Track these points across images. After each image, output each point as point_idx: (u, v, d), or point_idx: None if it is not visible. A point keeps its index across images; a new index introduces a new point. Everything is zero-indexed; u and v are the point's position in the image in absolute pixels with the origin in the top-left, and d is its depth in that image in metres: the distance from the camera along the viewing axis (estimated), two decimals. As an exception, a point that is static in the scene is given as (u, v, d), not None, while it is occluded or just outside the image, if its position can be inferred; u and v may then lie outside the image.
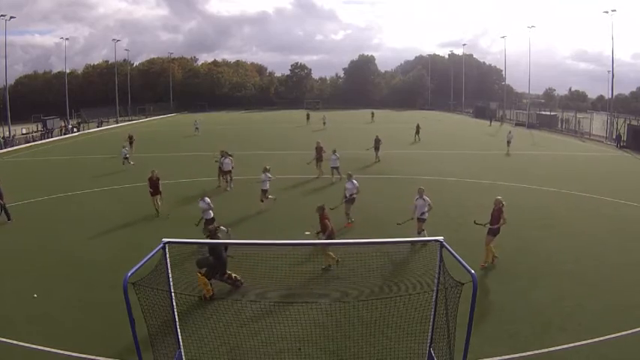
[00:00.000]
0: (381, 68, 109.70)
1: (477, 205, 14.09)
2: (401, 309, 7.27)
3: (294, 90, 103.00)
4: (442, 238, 6.25)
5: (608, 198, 17.48)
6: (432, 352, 6.64)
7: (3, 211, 15.09)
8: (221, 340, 7.40)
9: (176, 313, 6.70)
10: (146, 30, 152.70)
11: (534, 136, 42.53)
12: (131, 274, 5.37)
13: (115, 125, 62.45)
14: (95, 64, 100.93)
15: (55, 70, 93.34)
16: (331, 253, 10.74)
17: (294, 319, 7.48)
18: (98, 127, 58.95)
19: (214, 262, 9.29)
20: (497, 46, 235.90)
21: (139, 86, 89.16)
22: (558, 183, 20.12)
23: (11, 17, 46.99)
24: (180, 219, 14.55)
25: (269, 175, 16.02)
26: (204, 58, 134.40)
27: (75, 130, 53.27)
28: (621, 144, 35.68)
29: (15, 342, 7.76)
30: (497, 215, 10.69)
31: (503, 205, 10.70)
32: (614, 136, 38.21)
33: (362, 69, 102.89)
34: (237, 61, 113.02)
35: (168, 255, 6.39)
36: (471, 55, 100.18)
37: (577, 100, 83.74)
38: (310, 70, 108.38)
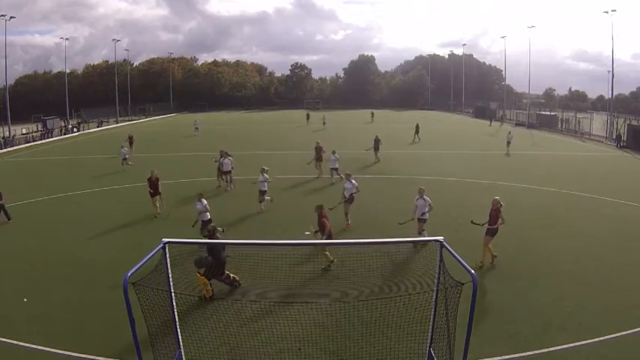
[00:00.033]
0: (381, 68, 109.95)
1: (477, 205, 14.08)
2: (401, 309, 7.27)
3: (294, 90, 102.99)
4: (442, 238, 6.24)
5: (608, 198, 17.48)
6: (432, 352, 6.64)
7: (2, 212, 15.09)
8: (221, 340, 7.40)
9: (176, 313, 6.70)
10: (146, 30, 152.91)
11: (534, 136, 42.53)
12: (131, 274, 5.37)
13: (115, 125, 62.47)
14: (95, 64, 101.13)
15: (55, 70, 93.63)
16: (327, 253, 10.73)
17: (294, 319, 7.48)
18: (98, 127, 58.97)
19: (213, 261, 9.29)
20: (497, 46, 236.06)
21: (139, 86, 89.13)
22: (558, 183, 20.13)
23: (11, 17, 47.06)
24: (180, 219, 14.53)
25: (266, 176, 15.86)
26: (204, 58, 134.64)
27: (75, 130, 53.28)
28: (621, 144, 35.69)
29: (15, 342, 7.76)
30: (495, 215, 10.68)
31: (501, 205, 10.69)
32: (614, 136, 38.23)
33: (362, 69, 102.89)
34: (237, 61, 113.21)
35: (168, 255, 6.39)
36: (471, 55, 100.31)
37: (577, 100, 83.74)
38: (310, 70, 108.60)
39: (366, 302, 8.50)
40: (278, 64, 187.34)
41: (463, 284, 5.54)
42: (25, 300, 9.34)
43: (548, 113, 54.52)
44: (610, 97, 52.07)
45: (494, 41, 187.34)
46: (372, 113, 61.53)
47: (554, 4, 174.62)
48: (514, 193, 18.25)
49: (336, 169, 20.30)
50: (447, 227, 12.55)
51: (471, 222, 11.36)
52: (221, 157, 19.35)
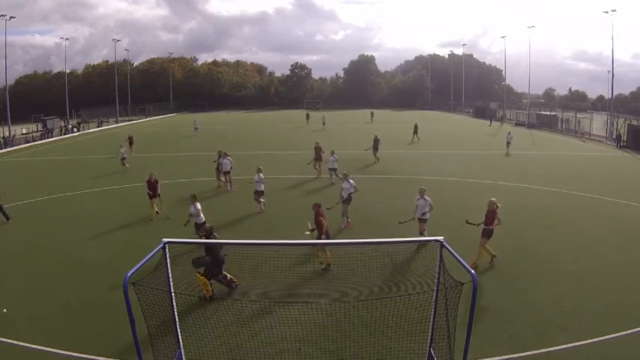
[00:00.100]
0: (381, 68, 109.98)
1: (478, 205, 14.06)
2: (401, 309, 7.27)
3: (294, 90, 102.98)
4: (442, 238, 6.24)
5: (608, 198, 17.48)
6: (432, 352, 6.64)
7: (0, 212, 15.08)
8: (221, 340, 7.40)
9: (176, 313, 6.70)
10: (146, 30, 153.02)
11: (534, 136, 42.53)
12: (131, 274, 5.37)
13: (115, 125, 62.49)
14: (95, 64, 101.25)
15: (55, 70, 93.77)
16: (321, 253, 10.72)
17: (294, 319, 7.48)
18: (98, 127, 58.99)
19: (211, 261, 9.28)
20: (497, 46, 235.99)
21: (139, 86, 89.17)
22: (558, 183, 20.13)
23: (11, 17, 47.09)
24: (179, 219, 14.49)
25: (261, 176, 15.74)
26: (204, 58, 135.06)
27: (75, 130, 53.29)
28: (621, 144, 35.69)
29: (15, 342, 7.77)
30: (490, 217, 10.64)
31: (497, 206, 10.66)
32: (614, 136, 38.22)
33: (362, 69, 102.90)
34: (237, 61, 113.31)
35: (168, 255, 6.39)
36: (471, 55, 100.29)
37: (577, 100, 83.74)
38: (310, 70, 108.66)
39: (366, 302, 8.50)
40: (278, 64, 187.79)
41: (463, 284, 5.54)
42: (5, 311, 8.90)
43: (548, 113, 54.50)
44: (610, 97, 52.14)
45: (494, 41, 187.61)
46: (372, 113, 61.49)
47: (554, 4, 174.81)
48: (514, 193, 18.26)
49: (334, 170, 20.27)
50: (448, 227, 12.55)
51: (466, 222, 11.33)
52: (220, 158, 19.35)
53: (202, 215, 12.35)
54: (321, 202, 11.38)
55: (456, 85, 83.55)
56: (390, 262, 10.47)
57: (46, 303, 9.32)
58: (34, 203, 17.95)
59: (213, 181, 20.16)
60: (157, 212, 15.48)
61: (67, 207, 17.42)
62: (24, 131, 48.11)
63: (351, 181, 13.89)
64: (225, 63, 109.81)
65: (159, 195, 15.38)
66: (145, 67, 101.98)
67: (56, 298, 9.56)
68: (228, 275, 9.61)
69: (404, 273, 10.16)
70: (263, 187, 15.77)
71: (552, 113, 53.89)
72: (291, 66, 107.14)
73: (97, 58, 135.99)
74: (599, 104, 72.86)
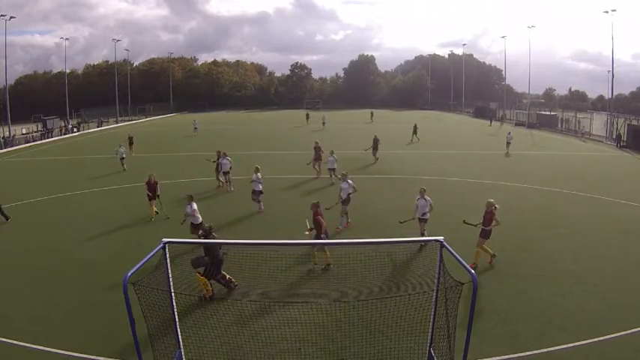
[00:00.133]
0: (381, 68, 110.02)
1: (478, 206, 14.06)
2: (401, 309, 7.27)
3: (294, 90, 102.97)
4: (442, 238, 6.23)
5: (608, 198, 17.49)
6: (432, 352, 6.64)
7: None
8: (221, 340, 7.40)
9: (176, 313, 6.70)
10: (146, 30, 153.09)
11: (534, 136, 42.53)
12: (131, 274, 5.37)
13: (115, 125, 62.48)
14: (95, 64, 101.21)
15: (55, 70, 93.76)
16: (321, 253, 10.73)
17: (294, 319, 7.49)
18: (98, 127, 58.98)
19: (210, 261, 9.27)
20: (497, 46, 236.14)
21: (139, 86, 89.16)
22: (558, 183, 20.13)
23: (11, 17, 47.11)
24: (179, 219, 14.52)
25: (259, 176, 15.67)
26: (204, 58, 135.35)
27: (75, 130, 53.28)
28: (621, 144, 35.70)
29: (15, 342, 7.77)
30: (489, 218, 10.63)
31: (495, 207, 10.65)
32: (614, 136, 38.24)
33: (362, 69, 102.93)
34: (237, 61, 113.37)
35: (168, 255, 6.39)
36: (471, 55, 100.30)
37: (577, 100, 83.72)
38: (310, 70, 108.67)
39: (365, 302, 8.50)
40: (278, 64, 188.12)
41: (463, 284, 5.54)
42: None
43: (548, 113, 54.51)
44: (610, 97, 52.17)
45: (494, 41, 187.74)
46: (372, 113, 61.46)
47: (554, 4, 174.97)
48: (514, 193, 18.27)
49: (334, 170, 20.23)
50: (448, 227, 12.55)
51: (463, 222, 11.32)
52: (219, 158, 19.33)
53: (199, 215, 12.37)
54: (320, 202, 11.38)
55: (456, 85, 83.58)
56: (390, 262, 10.47)
57: (46, 303, 9.31)
58: (33, 203, 17.95)
59: (213, 181, 20.16)
60: (157, 212, 15.48)
61: (67, 207, 17.42)
62: (24, 131, 48.12)
63: (349, 181, 13.81)
64: (225, 63, 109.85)
65: (158, 196, 15.38)
66: (145, 67, 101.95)
67: (56, 298, 9.56)
68: (227, 275, 9.61)
69: (404, 273, 10.17)
70: (261, 186, 15.71)
71: (552, 113, 53.90)
72: (291, 66, 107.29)
73: (97, 58, 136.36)
74: (599, 104, 72.89)
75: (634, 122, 37.52)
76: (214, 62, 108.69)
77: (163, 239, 6.34)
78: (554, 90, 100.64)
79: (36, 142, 43.38)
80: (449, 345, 5.97)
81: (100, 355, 7.37)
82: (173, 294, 6.60)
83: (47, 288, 10.08)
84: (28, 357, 7.46)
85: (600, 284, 9.87)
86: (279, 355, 7.30)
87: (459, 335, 5.83)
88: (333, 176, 20.22)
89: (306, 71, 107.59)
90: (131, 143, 31.36)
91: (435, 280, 6.45)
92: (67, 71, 69.81)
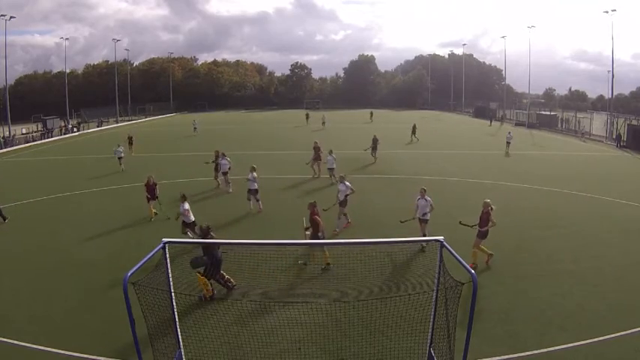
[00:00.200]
0: (381, 68, 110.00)
1: (478, 206, 14.05)
2: (401, 309, 7.27)
3: (294, 90, 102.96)
4: (442, 237, 6.23)
5: (608, 198, 17.49)
6: (432, 352, 6.63)
7: None
8: (221, 340, 7.40)
9: (176, 313, 6.70)
10: (146, 30, 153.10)
11: (534, 136, 42.54)
12: (131, 274, 5.37)
13: (115, 125, 62.47)
14: (95, 64, 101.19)
15: (55, 70, 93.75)
16: (319, 253, 10.71)
17: (294, 319, 7.49)
18: (98, 127, 58.97)
19: (209, 261, 9.26)
20: (497, 46, 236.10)
21: (139, 86, 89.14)
22: (558, 183, 20.13)
23: (11, 17, 47.11)
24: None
25: (255, 175, 15.61)
26: (204, 58, 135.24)
27: (75, 130, 53.27)
28: (621, 144, 35.72)
29: (15, 342, 7.77)
30: (485, 218, 10.63)
31: (491, 208, 10.64)
32: (614, 136, 38.25)
33: (362, 69, 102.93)
34: (237, 61, 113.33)
35: (168, 255, 6.39)
36: (471, 55, 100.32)
37: (577, 100, 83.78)
38: (310, 70, 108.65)
39: (365, 302, 8.50)
40: (278, 64, 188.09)
41: (463, 284, 5.54)
42: None
43: (548, 113, 54.54)
44: (610, 97, 52.19)
45: (494, 41, 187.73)
46: (371, 113, 61.43)
47: (554, 4, 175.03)
48: (514, 193, 18.26)
49: (333, 170, 20.18)
50: (448, 227, 12.52)
51: (460, 222, 11.32)
52: (218, 158, 19.31)
53: (191, 215, 12.42)
54: (318, 202, 11.36)
55: (456, 85, 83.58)
56: (390, 262, 10.47)
57: (45, 303, 9.31)
58: (33, 203, 17.94)
59: (212, 182, 20.14)
60: (156, 213, 15.46)
61: (67, 207, 17.42)
62: (24, 131, 48.11)
63: (347, 183, 13.69)
64: (225, 63, 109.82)
65: (157, 197, 15.37)
66: (145, 67, 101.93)
67: (56, 298, 9.55)
68: (226, 275, 9.60)
69: (404, 273, 10.16)
70: (257, 185, 15.65)
71: (552, 113, 53.92)
72: (291, 66, 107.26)
73: (97, 58, 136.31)
74: (599, 104, 72.94)
75: (634, 122, 37.53)
76: (214, 62, 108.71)
77: (163, 239, 6.33)
78: (554, 90, 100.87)
79: (36, 142, 43.38)
80: (449, 345, 5.97)
81: (100, 355, 7.36)
82: (173, 294, 6.59)
83: (47, 288, 10.07)
84: (28, 357, 7.46)
85: (600, 284, 9.87)
86: (279, 355, 7.30)
87: (459, 335, 5.83)
88: (332, 176, 20.20)
89: (306, 71, 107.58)
90: (131, 143, 31.35)
91: (435, 280, 6.45)
92: (67, 71, 69.89)
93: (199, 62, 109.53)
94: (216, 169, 19.56)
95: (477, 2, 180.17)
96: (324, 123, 49.34)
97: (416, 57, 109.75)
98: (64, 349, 7.52)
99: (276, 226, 14.18)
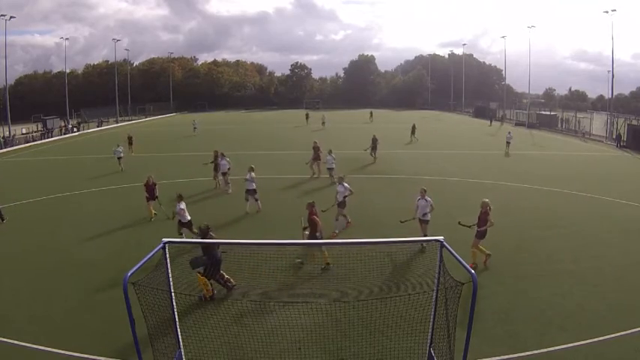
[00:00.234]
0: (381, 68, 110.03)
1: (479, 206, 14.09)
2: (401, 309, 7.27)
3: (294, 90, 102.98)
4: (442, 237, 6.23)
5: (608, 198, 17.49)
6: (432, 352, 6.63)
7: None
8: (221, 340, 7.40)
9: (176, 313, 6.70)
10: (146, 30, 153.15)
11: (534, 136, 42.54)
12: (131, 274, 5.36)
13: (115, 125, 62.49)
14: (95, 64, 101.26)
15: (55, 70, 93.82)
16: (318, 253, 10.69)
17: (294, 319, 7.48)
18: (98, 127, 58.99)
19: (208, 261, 9.25)
20: (497, 46, 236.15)
21: (139, 86, 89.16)
22: (558, 183, 20.12)
23: (11, 17, 47.13)
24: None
25: (252, 175, 15.58)
26: (204, 58, 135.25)
27: (75, 130, 53.29)
28: (621, 144, 35.73)
29: (15, 342, 7.76)
30: (483, 218, 10.62)
31: (489, 208, 10.64)
32: (614, 136, 38.26)
33: (362, 69, 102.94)
34: (237, 61, 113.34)
35: (168, 255, 6.38)
36: (471, 55, 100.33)
37: (577, 100, 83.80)
38: (310, 70, 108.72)
39: (365, 302, 8.50)
40: (278, 64, 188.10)
41: (463, 284, 5.54)
42: None
43: (548, 113, 54.55)
44: (610, 97, 52.20)
45: (494, 41, 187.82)
46: (371, 113, 61.41)
47: (554, 4, 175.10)
48: (514, 193, 18.26)
49: (332, 170, 20.15)
50: (448, 227, 12.51)
51: (459, 223, 11.31)
52: (217, 158, 19.30)
53: (187, 214, 12.43)
54: (318, 202, 11.35)
55: (456, 85, 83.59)
56: (390, 262, 10.47)
57: (45, 303, 9.31)
58: (33, 203, 17.94)
59: (211, 182, 20.13)
60: (156, 214, 15.46)
61: (67, 207, 17.41)
62: (24, 131, 48.11)
63: (345, 184, 13.63)
64: (225, 63, 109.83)
65: (156, 197, 15.36)
66: (145, 67, 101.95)
67: (56, 298, 9.55)
68: (226, 275, 9.59)
69: (404, 273, 10.16)
70: (254, 185, 15.63)
71: (552, 113, 53.93)
72: (291, 66, 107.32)
73: (97, 58, 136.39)
74: (599, 104, 72.94)
75: (634, 122, 37.54)
76: (214, 62, 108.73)
77: (163, 239, 6.33)
78: (554, 90, 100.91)
79: (36, 142, 43.38)
80: (449, 345, 5.97)
81: (100, 355, 7.36)
82: (173, 294, 6.59)
83: (47, 288, 10.07)
84: (28, 357, 7.46)
85: (600, 284, 9.87)
86: (279, 355, 7.30)
87: (459, 335, 5.83)
88: (332, 176, 20.17)
89: (306, 71, 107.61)
90: (131, 143, 31.35)
91: (435, 280, 6.45)
92: (67, 71, 69.93)
93: (199, 62, 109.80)
94: (216, 169, 19.55)
95: (477, 2, 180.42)
96: (323, 123, 49.34)
97: (416, 57, 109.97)
98: (64, 349, 7.52)
99: (275, 226, 14.18)
